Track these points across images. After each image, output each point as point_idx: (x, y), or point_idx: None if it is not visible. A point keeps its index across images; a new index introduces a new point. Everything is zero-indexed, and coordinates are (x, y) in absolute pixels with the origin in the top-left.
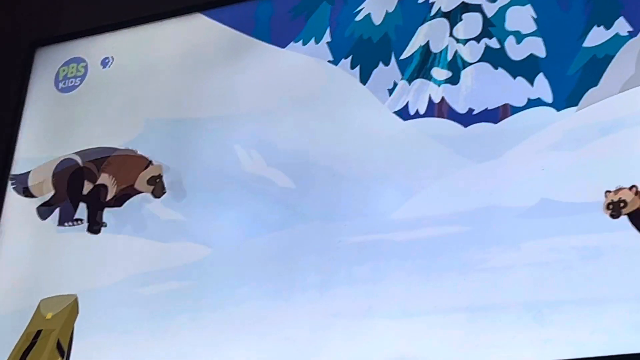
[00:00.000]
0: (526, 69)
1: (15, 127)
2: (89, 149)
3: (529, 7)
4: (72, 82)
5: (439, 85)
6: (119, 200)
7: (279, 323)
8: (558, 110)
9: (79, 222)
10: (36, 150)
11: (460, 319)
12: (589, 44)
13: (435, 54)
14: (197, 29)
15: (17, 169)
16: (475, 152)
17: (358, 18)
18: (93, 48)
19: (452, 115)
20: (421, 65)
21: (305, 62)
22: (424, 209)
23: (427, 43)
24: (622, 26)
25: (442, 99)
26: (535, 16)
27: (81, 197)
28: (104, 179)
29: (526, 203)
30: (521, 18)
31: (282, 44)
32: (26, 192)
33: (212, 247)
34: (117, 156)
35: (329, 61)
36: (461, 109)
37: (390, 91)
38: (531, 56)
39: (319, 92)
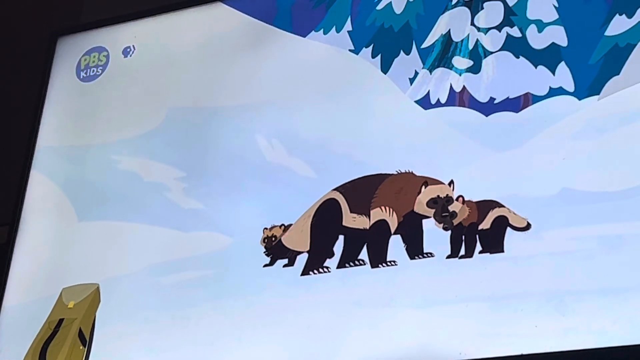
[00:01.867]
0: (548, 57)
1: (37, 116)
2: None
3: None
4: (93, 71)
5: (460, 74)
6: None
7: (300, 311)
8: (580, 99)
9: None
10: (58, 139)
11: (483, 307)
12: (611, 32)
13: (457, 42)
14: (218, 18)
15: (38, 157)
16: (496, 141)
17: (379, 7)
18: (114, 37)
19: (474, 104)
20: (442, 54)
21: (326, 51)
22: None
23: (449, 32)
24: None
25: (464, 87)
26: (557, 5)
27: None
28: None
29: (547, 192)
30: (543, 7)
31: (303, 33)
32: None
33: (233, 236)
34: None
35: (350, 50)
36: (482, 98)
37: (412, 80)
38: (553, 45)
39: (340, 81)
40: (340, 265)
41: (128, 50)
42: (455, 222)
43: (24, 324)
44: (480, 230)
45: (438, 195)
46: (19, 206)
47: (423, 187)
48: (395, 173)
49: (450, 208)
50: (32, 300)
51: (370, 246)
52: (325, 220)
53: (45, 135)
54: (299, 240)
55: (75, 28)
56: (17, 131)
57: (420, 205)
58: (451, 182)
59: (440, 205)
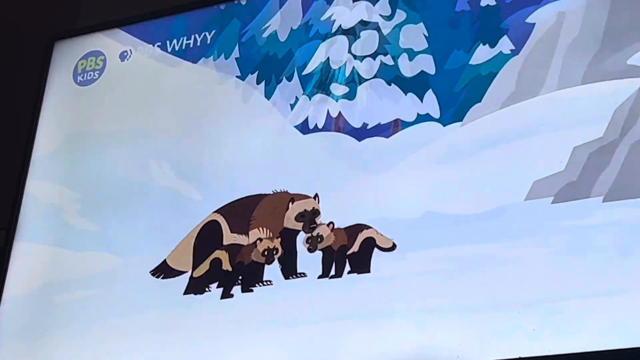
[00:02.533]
0: (417, 85)
1: (35, 120)
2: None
3: (421, 25)
4: (90, 75)
5: (336, 101)
6: None
7: (181, 329)
8: (444, 125)
9: None
10: (55, 143)
11: (349, 325)
12: (475, 61)
13: (335, 70)
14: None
15: (36, 161)
16: (367, 165)
17: (265, 35)
18: (111, 41)
19: (348, 129)
20: (321, 81)
21: (215, 78)
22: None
23: (328, 59)
24: (505, 45)
25: (340, 113)
26: (427, 34)
27: None
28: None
29: (413, 215)
30: (414, 36)
31: (195, 60)
32: None
33: (122, 256)
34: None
35: (237, 76)
36: (356, 123)
37: (292, 106)
38: (422, 73)
39: (227, 106)
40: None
41: (125, 54)
42: (323, 246)
43: (20, 326)
44: (350, 254)
45: (305, 209)
46: (16, 210)
47: (290, 203)
48: (272, 193)
49: (318, 223)
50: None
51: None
52: (207, 241)
53: (42, 139)
54: (183, 260)
55: (72, 32)
56: (15, 135)
57: (289, 220)
58: (316, 196)
59: (308, 218)
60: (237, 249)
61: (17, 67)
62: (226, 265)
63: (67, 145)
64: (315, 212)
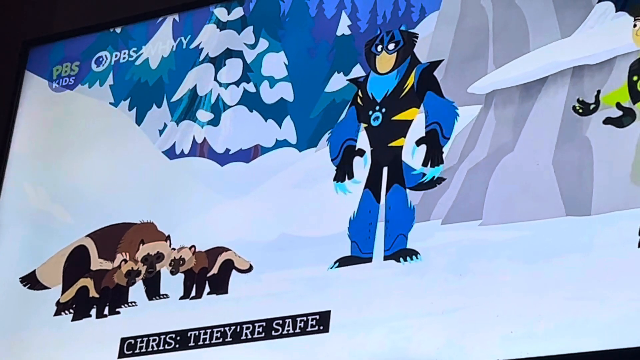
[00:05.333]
0: (276, 112)
1: (10, 126)
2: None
3: (282, 53)
4: (66, 81)
5: (202, 127)
6: None
7: (53, 349)
8: (300, 150)
9: None
10: (30, 148)
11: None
12: (330, 89)
13: (201, 97)
14: None
15: (11, 167)
16: (229, 189)
17: (138, 62)
18: (86, 47)
19: (212, 154)
20: (188, 108)
21: (90, 104)
22: (186, 244)
23: (195, 86)
24: (358, 72)
25: (205, 139)
26: (287, 62)
27: None
28: None
29: (269, 237)
30: (275, 64)
31: (72, 87)
32: None
33: None
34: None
35: (111, 103)
36: (220, 149)
37: (161, 132)
38: (281, 100)
39: (100, 132)
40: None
41: (100, 59)
42: (185, 269)
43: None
44: (210, 276)
45: (148, 253)
46: None
47: (140, 244)
48: (139, 222)
49: (157, 269)
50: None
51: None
52: (76, 264)
53: (17, 145)
54: (52, 277)
55: (47, 38)
56: None
57: (137, 262)
58: (167, 237)
59: (149, 262)
60: (102, 274)
61: None
62: (92, 292)
63: (43, 150)
64: (159, 257)
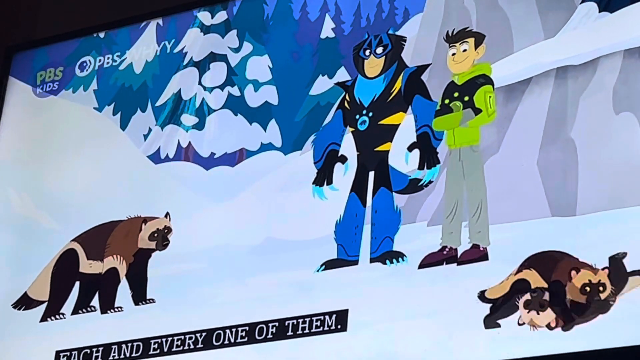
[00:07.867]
0: (261, 115)
1: None
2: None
3: (266, 57)
4: (49, 86)
5: (187, 131)
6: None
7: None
8: (285, 154)
9: None
10: (14, 154)
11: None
12: (315, 92)
13: (186, 101)
14: None
15: None
16: (214, 193)
17: (122, 67)
18: (70, 52)
19: (197, 159)
20: (173, 112)
21: (74, 109)
22: (171, 248)
23: (179, 91)
24: (342, 76)
25: (189, 143)
26: (271, 65)
27: None
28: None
29: (254, 241)
30: (259, 67)
31: (56, 92)
32: None
33: None
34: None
35: (95, 108)
36: (205, 153)
37: (146, 136)
38: (266, 103)
39: (84, 138)
40: (75, 311)
41: (84, 65)
42: None
43: None
44: None
45: (157, 228)
46: None
47: (143, 224)
48: (126, 219)
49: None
50: None
51: (101, 294)
52: (64, 268)
53: (1, 150)
54: (42, 291)
55: (30, 43)
56: None
57: (143, 240)
58: (167, 214)
59: (160, 235)
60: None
61: None
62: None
63: (27, 157)
64: (168, 230)
